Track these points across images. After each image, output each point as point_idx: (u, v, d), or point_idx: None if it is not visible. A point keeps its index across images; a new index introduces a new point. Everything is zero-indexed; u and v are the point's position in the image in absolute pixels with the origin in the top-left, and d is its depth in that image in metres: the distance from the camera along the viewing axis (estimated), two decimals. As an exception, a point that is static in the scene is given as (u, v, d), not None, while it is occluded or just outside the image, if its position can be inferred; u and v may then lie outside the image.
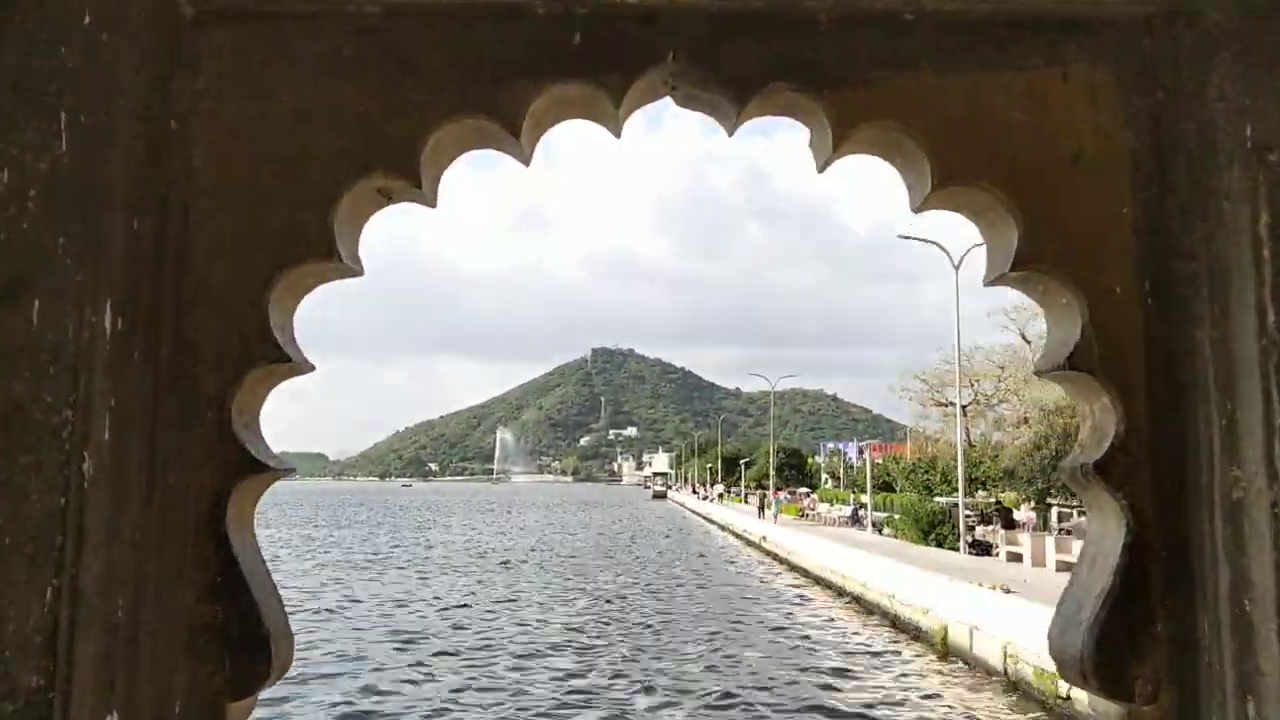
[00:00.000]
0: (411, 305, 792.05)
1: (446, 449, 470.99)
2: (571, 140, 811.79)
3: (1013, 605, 15.80)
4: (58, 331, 1.20)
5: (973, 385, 49.84)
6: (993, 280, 1.55)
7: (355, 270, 1.53)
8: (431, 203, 1.53)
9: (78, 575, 1.17)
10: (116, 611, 1.25)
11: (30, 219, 1.22)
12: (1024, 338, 49.98)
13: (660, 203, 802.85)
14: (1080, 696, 12.46)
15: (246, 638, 1.34)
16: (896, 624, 22.07)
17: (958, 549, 29.21)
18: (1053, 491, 42.09)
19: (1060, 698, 13.15)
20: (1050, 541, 25.69)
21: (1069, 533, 27.04)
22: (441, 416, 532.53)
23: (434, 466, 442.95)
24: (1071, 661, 1.39)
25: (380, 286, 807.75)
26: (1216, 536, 1.29)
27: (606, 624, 22.08)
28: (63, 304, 1.21)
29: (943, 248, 30.38)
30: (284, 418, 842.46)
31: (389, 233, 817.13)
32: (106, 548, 1.23)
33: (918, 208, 1.58)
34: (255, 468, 1.40)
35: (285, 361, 1.43)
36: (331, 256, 1.42)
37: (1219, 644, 1.27)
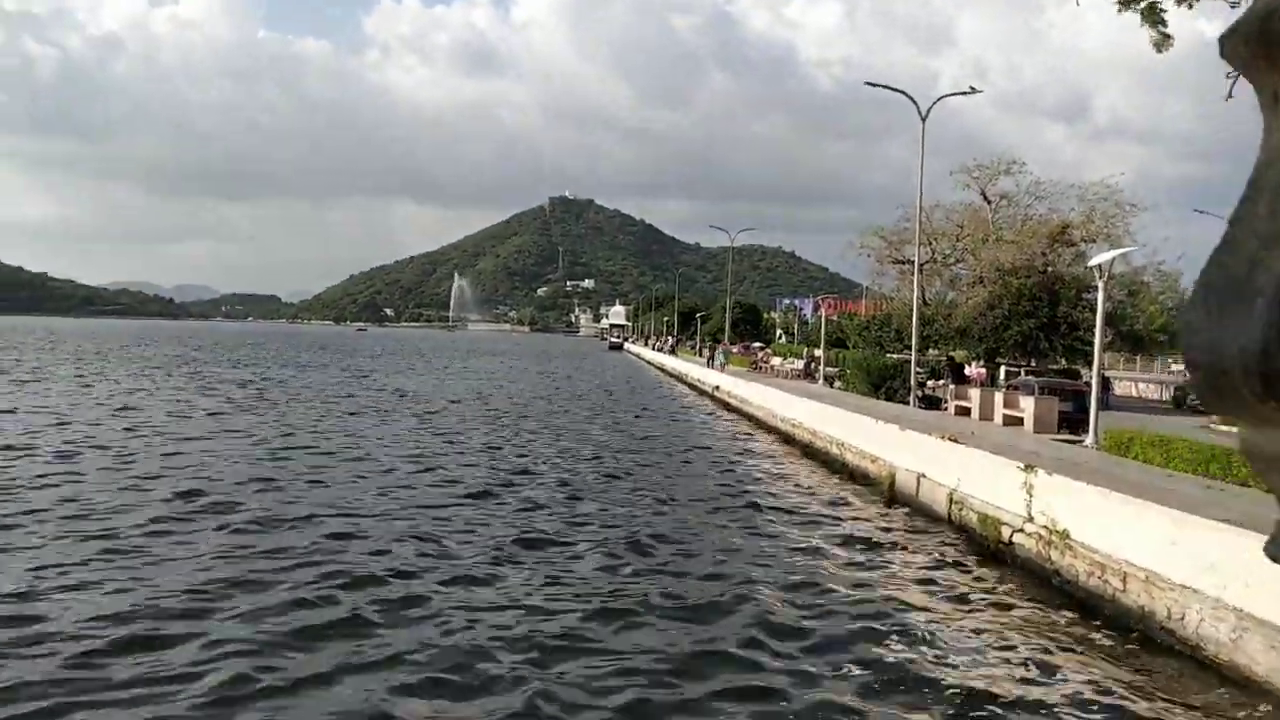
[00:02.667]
0: (363, 147, 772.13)
1: (402, 295, 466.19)
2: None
3: (960, 454, 15.94)
4: None
5: (931, 244, 49.70)
6: None
7: None
8: None
9: None
10: None
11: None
12: (985, 197, 49.64)
13: (621, 48, 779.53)
14: (1023, 542, 12.68)
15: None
16: (844, 470, 22.42)
17: (908, 402, 29.58)
18: (1002, 350, 42.79)
19: (1002, 543, 13.37)
20: (999, 396, 26.06)
21: (1016, 388, 27.40)
22: (396, 262, 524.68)
23: (389, 312, 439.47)
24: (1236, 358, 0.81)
25: (329, 126, 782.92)
26: None
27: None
28: None
29: (911, 97, 29.54)
30: (236, 260, 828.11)
31: (336, 69, 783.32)
32: None
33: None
34: None
35: None
36: None
37: None
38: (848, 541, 14.79)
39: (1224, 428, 27.70)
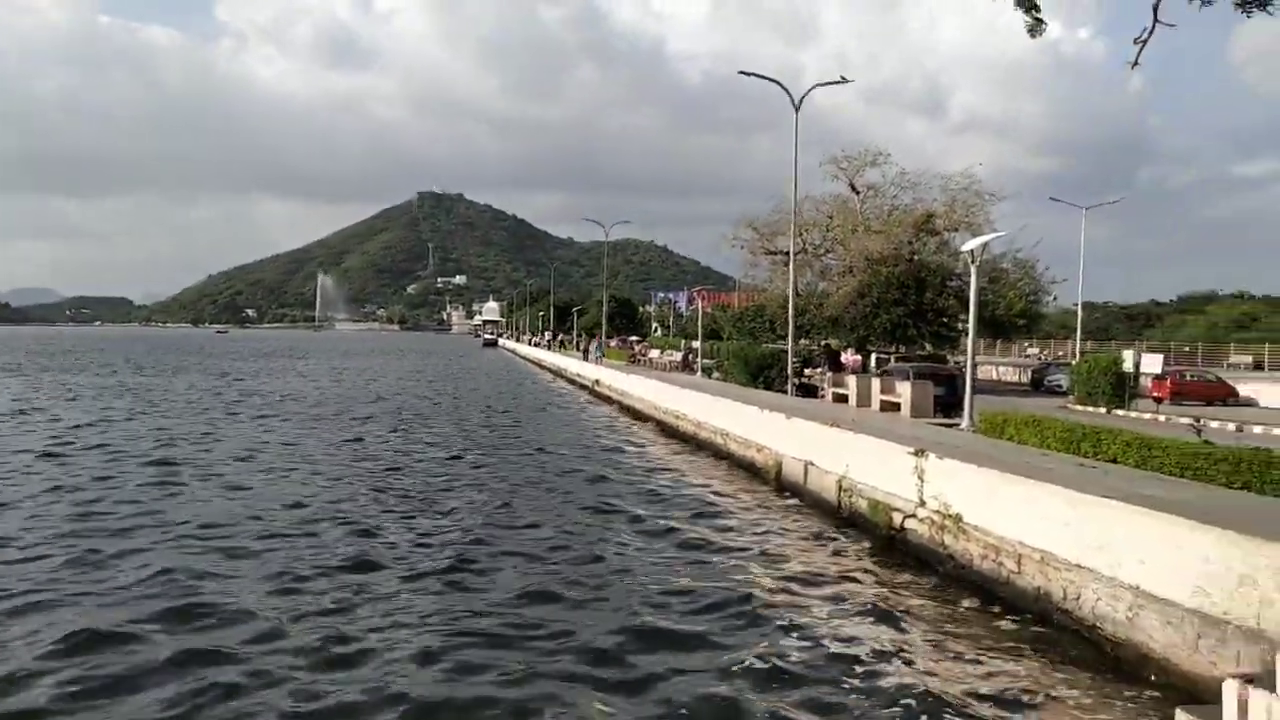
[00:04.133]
0: (221, 141, 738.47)
1: (264, 294, 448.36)
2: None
3: (848, 440, 15.91)
4: None
5: (802, 235, 50.49)
6: None
7: None
8: None
9: None
10: None
11: None
12: (853, 188, 50.74)
13: (488, 39, 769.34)
14: (915, 528, 12.65)
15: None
16: (730, 459, 22.29)
17: (786, 391, 29.79)
18: (872, 338, 43.79)
19: (894, 529, 13.33)
20: (876, 383, 26.48)
21: (890, 374, 27.93)
22: (258, 260, 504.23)
23: (251, 313, 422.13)
24: None
25: (183, 118, 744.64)
26: None
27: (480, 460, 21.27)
28: None
29: (784, 86, 29.69)
30: (81, 260, 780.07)
31: (187, 59, 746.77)
32: None
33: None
34: None
35: None
36: None
37: None
38: (734, 531, 14.55)
39: (1079, 407, 29.04)
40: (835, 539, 14.10)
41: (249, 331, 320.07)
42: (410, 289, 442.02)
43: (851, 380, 27.97)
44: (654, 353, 55.35)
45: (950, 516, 11.88)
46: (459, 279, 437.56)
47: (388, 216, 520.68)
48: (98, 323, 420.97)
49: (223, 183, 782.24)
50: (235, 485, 18.02)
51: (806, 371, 36.01)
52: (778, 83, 29.80)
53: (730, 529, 14.87)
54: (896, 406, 24.15)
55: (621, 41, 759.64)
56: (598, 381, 46.69)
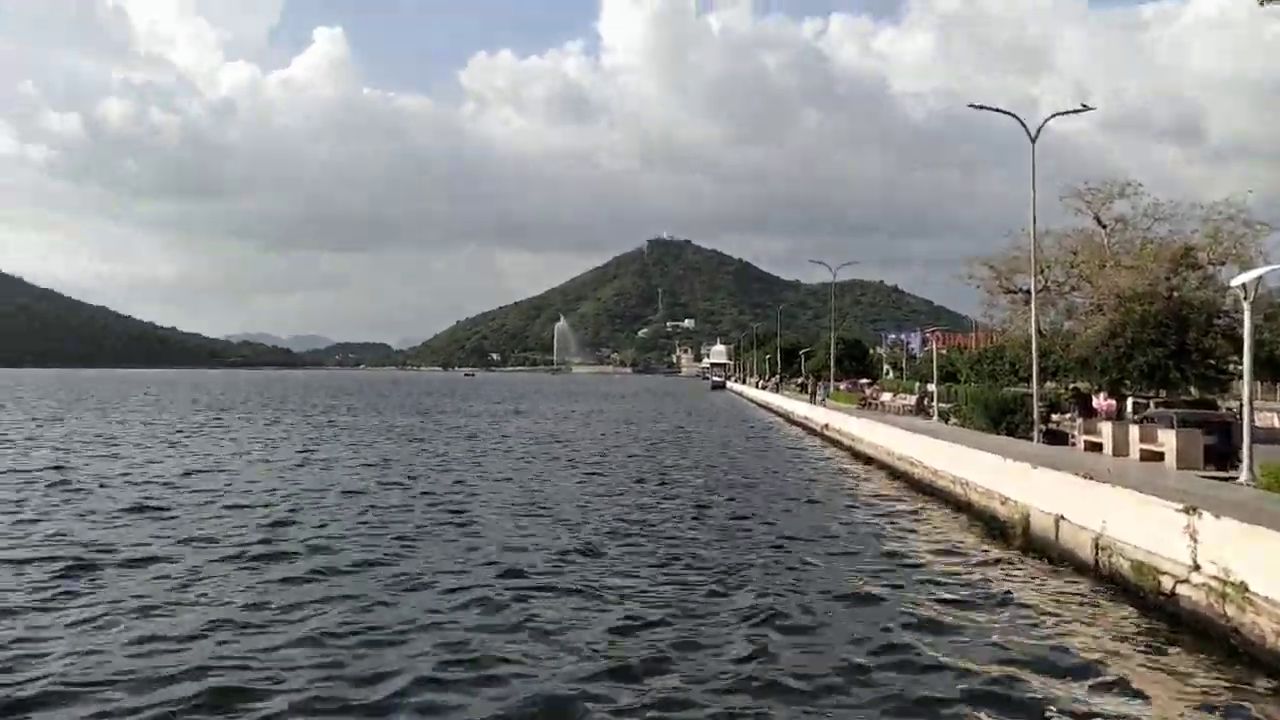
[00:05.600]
0: (466, 197, 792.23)
1: (507, 339, 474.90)
2: (614, 26, 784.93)
3: (1105, 494, 14.59)
4: None
5: (1043, 272, 47.82)
6: None
7: None
8: None
9: None
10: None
11: None
12: (1099, 221, 47.57)
13: (711, 89, 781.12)
14: (1189, 594, 11.35)
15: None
16: (969, 510, 21.09)
17: (1031, 438, 27.91)
18: (1127, 382, 40.37)
19: (1163, 594, 12.02)
20: (1135, 430, 24.28)
21: (1151, 421, 25.53)
22: (501, 307, 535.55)
23: (495, 356, 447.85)
24: None
25: (434, 178, 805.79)
26: None
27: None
28: None
29: (1019, 118, 28.19)
30: (348, 309, 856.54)
31: (436, 123, 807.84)
32: None
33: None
34: None
35: None
36: None
37: None
38: (978, 588, 13.61)
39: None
40: (1094, 603, 12.90)
41: (493, 374, 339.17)
42: (641, 333, 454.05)
43: (1106, 427, 25.77)
44: (886, 396, 53.63)
45: (1232, 584, 10.54)
46: (687, 323, 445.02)
47: (619, 264, 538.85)
48: (361, 366, 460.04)
49: (469, 236, 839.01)
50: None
51: (1054, 417, 33.61)
52: (1012, 115, 28.37)
53: (974, 586, 13.96)
54: (1159, 456, 22.00)
55: (843, 83, 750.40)
56: (827, 425, 45.76)
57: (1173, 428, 22.43)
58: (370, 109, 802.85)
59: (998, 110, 29.23)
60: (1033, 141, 27.67)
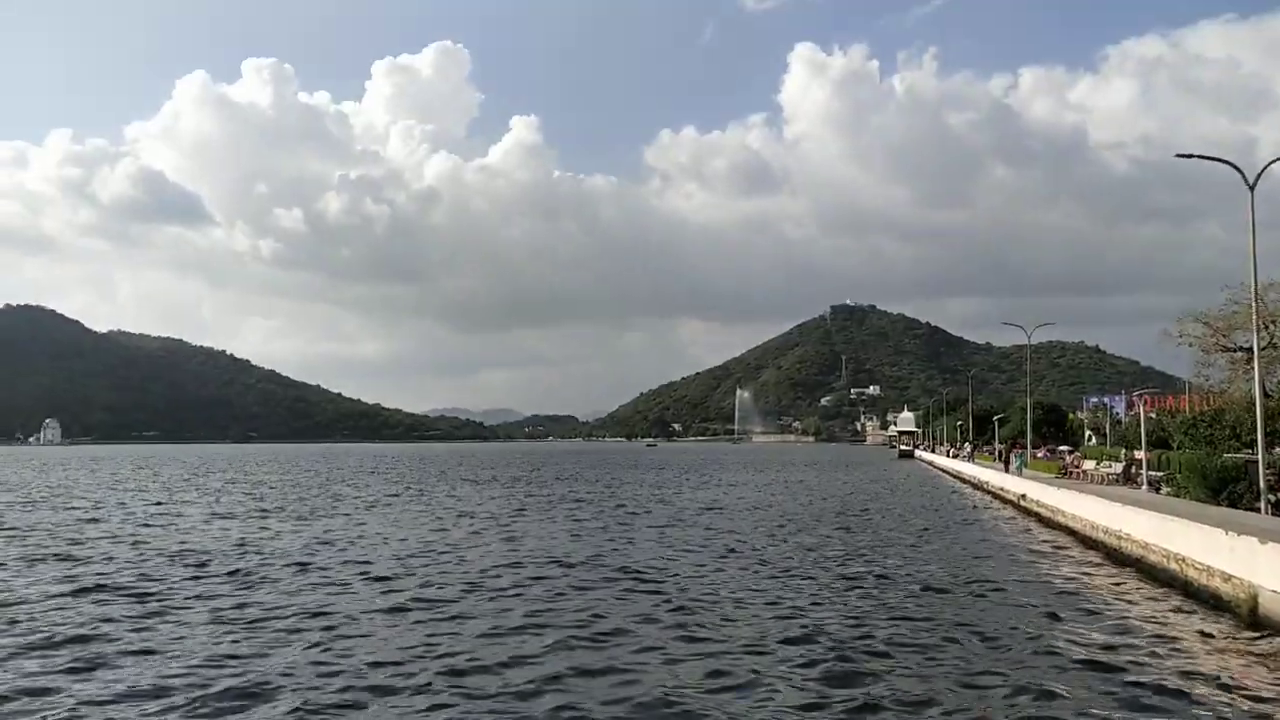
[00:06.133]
0: (650, 270, 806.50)
1: (688, 409, 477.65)
2: (796, 96, 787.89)
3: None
4: None
5: (1268, 328, 44.03)
6: None
7: None
8: None
9: None
10: None
11: None
12: (1333, 270, 43.51)
13: (896, 150, 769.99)
14: None
15: None
16: (1187, 591, 19.37)
17: (1257, 509, 25.46)
18: (1373, 447, 36.32)
19: None
20: (1381, 501, 21.79)
21: (1403, 492, 22.81)
22: (683, 378, 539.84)
23: (677, 427, 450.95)
24: None
25: (619, 254, 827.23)
26: None
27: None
28: None
29: (1235, 165, 26.25)
30: (538, 383, 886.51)
31: (622, 201, 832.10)
32: None
33: None
34: None
35: None
36: None
37: None
38: (1203, 679, 12.45)
39: None
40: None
41: (674, 444, 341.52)
42: (824, 400, 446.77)
43: (1347, 497, 23.25)
44: (1088, 464, 50.32)
45: None
46: (872, 389, 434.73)
47: (801, 331, 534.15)
48: (550, 438, 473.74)
49: (652, 308, 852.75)
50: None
51: (1284, 486, 30.59)
52: (1227, 161, 26.48)
53: (1196, 672, 12.81)
54: None
55: (1035, 138, 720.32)
56: (1024, 496, 43.37)
57: None
58: (561, 190, 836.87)
59: (1209, 158, 27.47)
60: (1251, 189, 25.65)
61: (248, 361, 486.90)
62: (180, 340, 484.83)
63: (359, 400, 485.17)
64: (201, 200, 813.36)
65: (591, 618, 16.70)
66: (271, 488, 61.77)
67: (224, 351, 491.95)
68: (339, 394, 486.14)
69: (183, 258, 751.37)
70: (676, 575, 22.12)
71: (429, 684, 12.16)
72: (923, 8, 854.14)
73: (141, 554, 25.98)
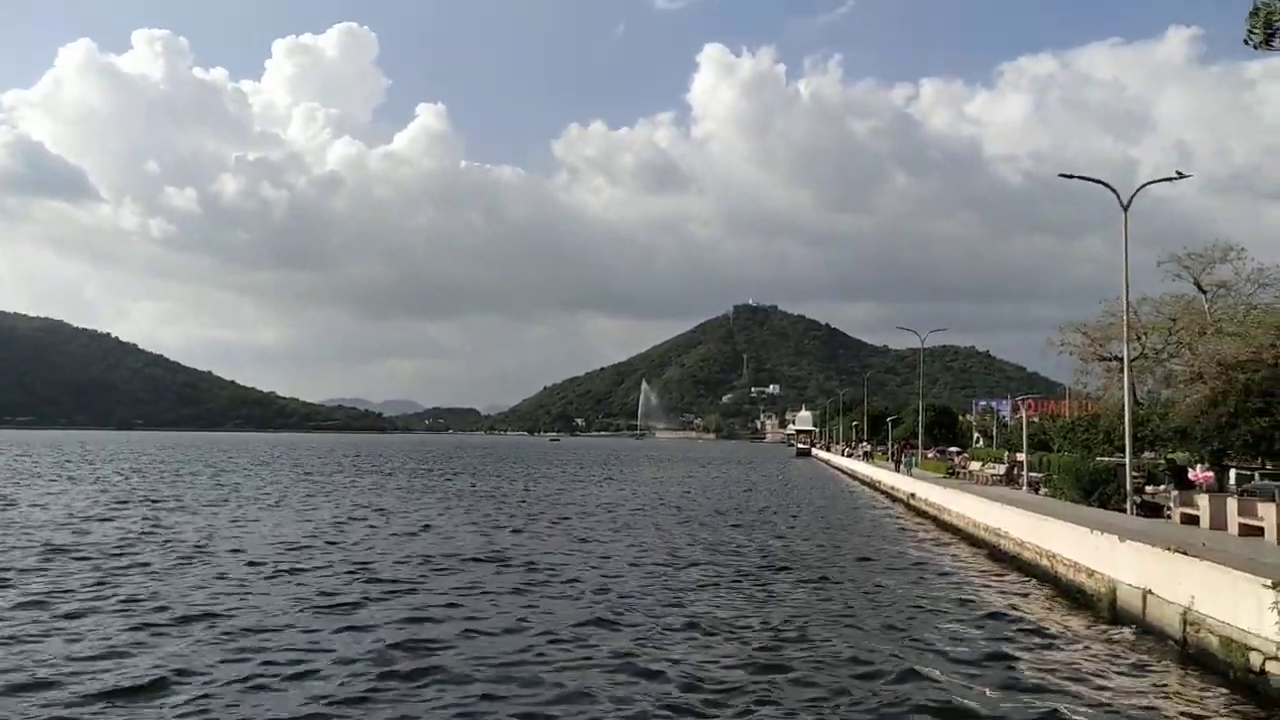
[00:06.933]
0: (556, 264, 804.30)
1: (592, 405, 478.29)
2: (704, 96, 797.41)
3: (1195, 569, 14.34)
4: None
5: (1140, 339, 46.65)
6: None
7: None
8: None
9: None
10: None
11: None
12: (1199, 287, 46.37)
13: (801, 154, 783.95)
14: (1276, 671, 11.13)
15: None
16: (1058, 585, 20.72)
17: (1124, 510, 27.21)
18: (1230, 452, 38.93)
19: (1252, 672, 11.79)
20: (1232, 503, 23.55)
21: (1252, 494, 24.68)
22: (587, 373, 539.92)
23: (580, 422, 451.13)
24: None
25: (525, 246, 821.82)
26: None
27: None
28: None
29: (1110, 186, 27.98)
30: (440, 375, 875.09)
31: (532, 193, 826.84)
32: None
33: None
34: None
35: None
36: None
37: None
38: (1062, 662, 13.49)
39: None
40: (1181, 679, 12.68)
41: (578, 439, 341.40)
42: (725, 398, 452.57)
43: (1202, 500, 25.03)
44: (974, 465, 52.60)
45: (1322, 662, 10.34)
46: (772, 388, 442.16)
47: (705, 329, 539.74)
48: (450, 431, 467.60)
49: (556, 303, 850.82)
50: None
51: (1149, 489, 32.67)
52: (1103, 183, 28.17)
53: (1057, 660, 13.84)
54: (1259, 531, 21.29)
55: (935, 148, 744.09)
56: (913, 495, 45.16)
57: (1274, 501, 21.72)
58: (467, 180, 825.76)
59: (1088, 179, 29.06)
60: (1124, 210, 27.29)
61: (134, 345, 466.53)
62: (60, 321, 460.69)
63: (253, 389, 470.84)
64: (85, 175, 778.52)
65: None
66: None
67: (108, 334, 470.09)
68: (232, 381, 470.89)
69: (64, 235, 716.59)
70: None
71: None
72: (828, 15, 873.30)
73: None
